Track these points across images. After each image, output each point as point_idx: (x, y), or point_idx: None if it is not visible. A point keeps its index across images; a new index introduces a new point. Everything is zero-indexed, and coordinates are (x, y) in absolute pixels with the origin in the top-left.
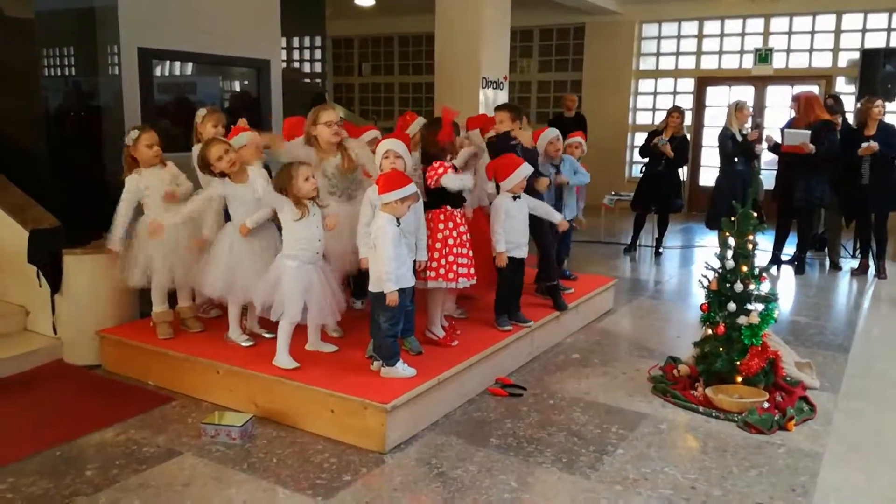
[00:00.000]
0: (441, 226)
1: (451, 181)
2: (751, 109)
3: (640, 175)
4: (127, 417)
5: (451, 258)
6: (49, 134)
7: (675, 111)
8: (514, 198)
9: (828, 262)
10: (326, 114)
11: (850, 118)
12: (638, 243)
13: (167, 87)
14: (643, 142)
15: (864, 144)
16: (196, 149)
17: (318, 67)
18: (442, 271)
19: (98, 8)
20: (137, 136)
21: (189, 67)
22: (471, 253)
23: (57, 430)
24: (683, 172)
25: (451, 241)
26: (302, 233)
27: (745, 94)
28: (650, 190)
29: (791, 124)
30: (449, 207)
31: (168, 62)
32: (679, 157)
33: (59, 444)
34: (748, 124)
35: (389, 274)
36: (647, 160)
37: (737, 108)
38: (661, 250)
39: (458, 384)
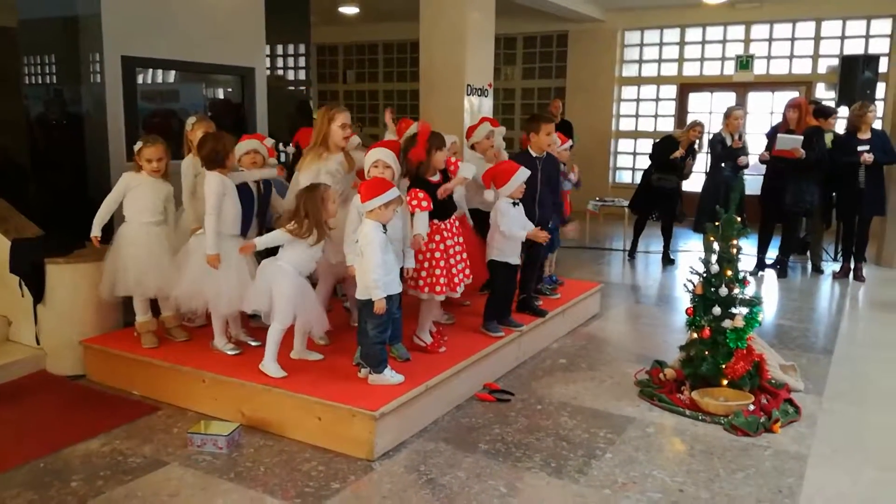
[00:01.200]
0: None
1: (417, 219)
2: (741, 116)
3: (642, 180)
4: (112, 428)
5: (437, 271)
6: (32, 142)
7: (699, 125)
8: (514, 204)
9: (810, 266)
10: (341, 116)
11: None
12: (637, 249)
13: (151, 95)
14: (655, 146)
15: (863, 151)
16: (189, 157)
17: (302, 75)
18: (430, 280)
19: (81, 17)
20: (139, 149)
21: (173, 75)
22: (464, 255)
23: (41, 442)
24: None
25: (437, 255)
26: (310, 252)
27: (727, 100)
28: (656, 198)
29: (777, 130)
30: (436, 221)
31: (151, 70)
32: (689, 172)
33: (43, 455)
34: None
35: (377, 281)
36: (650, 165)
37: (726, 116)
38: (672, 258)
39: (445, 390)
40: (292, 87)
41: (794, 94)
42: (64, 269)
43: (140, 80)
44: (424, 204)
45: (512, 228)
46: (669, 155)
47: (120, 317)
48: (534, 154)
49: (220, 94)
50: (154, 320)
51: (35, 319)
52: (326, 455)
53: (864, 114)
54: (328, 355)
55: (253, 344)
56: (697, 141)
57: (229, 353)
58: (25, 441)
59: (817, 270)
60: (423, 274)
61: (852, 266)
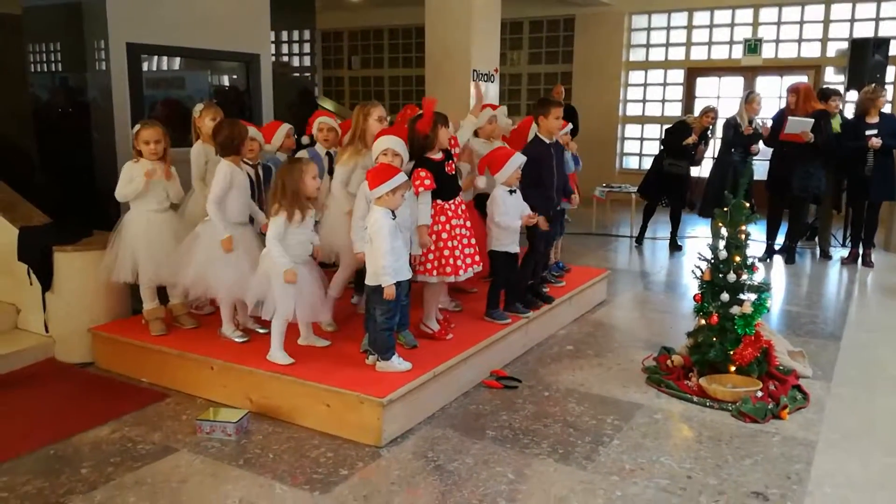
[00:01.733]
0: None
1: (422, 200)
2: (761, 101)
3: (653, 166)
4: (121, 415)
5: (446, 252)
6: (37, 130)
7: (712, 111)
8: (511, 191)
9: (818, 251)
10: (377, 110)
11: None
12: (645, 235)
13: (156, 83)
14: (668, 132)
15: (871, 136)
16: (199, 144)
17: (307, 61)
18: (437, 264)
19: (86, 3)
20: (137, 131)
21: (178, 62)
22: (473, 241)
23: (50, 429)
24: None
25: (444, 236)
26: (297, 237)
27: (735, 84)
28: (666, 184)
29: (783, 114)
30: (440, 201)
31: (157, 57)
32: (701, 158)
33: (52, 442)
34: (757, 117)
35: (387, 268)
36: (660, 150)
37: (746, 100)
38: (679, 244)
39: (453, 377)
40: (297, 74)
41: (803, 79)
42: (72, 256)
43: (145, 67)
44: (427, 182)
45: (505, 219)
46: (682, 141)
47: (128, 304)
48: (546, 140)
49: (226, 80)
50: (162, 308)
51: (43, 307)
52: (335, 442)
53: (875, 97)
54: (336, 342)
55: (260, 331)
56: (710, 127)
57: (237, 340)
58: (35, 428)
59: (825, 256)
60: (431, 257)
61: (861, 251)
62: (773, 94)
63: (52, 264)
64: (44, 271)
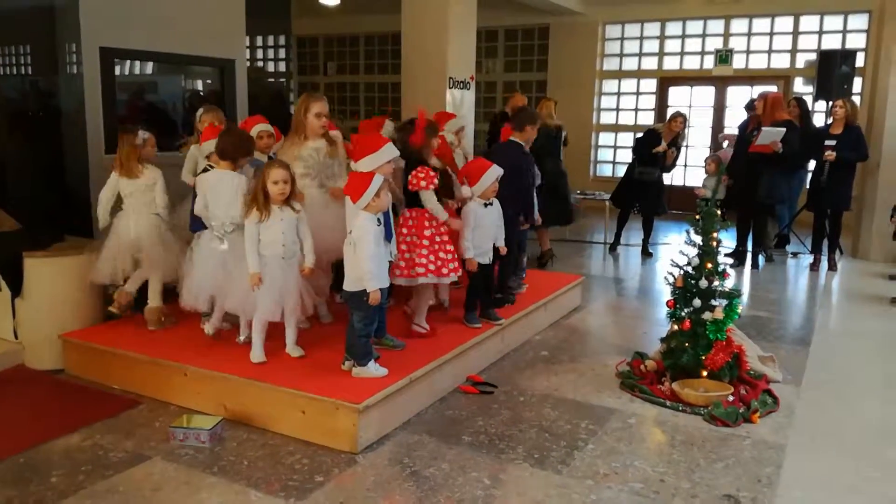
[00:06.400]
0: (411, 222)
1: (426, 199)
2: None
3: (625, 174)
4: (92, 422)
5: (424, 252)
6: (8, 134)
7: (679, 116)
8: (486, 204)
9: (789, 259)
10: (316, 105)
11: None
12: (621, 241)
13: (129, 87)
14: (638, 140)
15: (829, 150)
16: (195, 146)
17: (282, 67)
18: (406, 266)
19: (58, 6)
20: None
21: (153, 67)
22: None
23: (20, 437)
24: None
25: (410, 239)
26: (264, 236)
27: (706, 94)
28: (637, 191)
29: (748, 124)
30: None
31: (129, 62)
32: (673, 164)
33: (22, 450)
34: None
35: (372, 273)
36: (633, 158)
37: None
38: (650, 251)
39: (429, 383)
40: (272, 79)
41: (773, 88)
42: (42, 262)
43: (117, 70)
44: (424, 184)
45: (467, 244)
46: (652, 149)
47: (100, 310)
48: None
49: (200, 85)
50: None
51: (13, 313)
52: (310, 448)
53: (834, 109)
54: (310, 348)
55: (208, 331)
56: (680, 132)
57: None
58: (3, 436)
59: (769, 259)
60: (429, 260)
61: (822, 256)
62: (743, 104)
63: (21, 270)
64: (13, 277)
